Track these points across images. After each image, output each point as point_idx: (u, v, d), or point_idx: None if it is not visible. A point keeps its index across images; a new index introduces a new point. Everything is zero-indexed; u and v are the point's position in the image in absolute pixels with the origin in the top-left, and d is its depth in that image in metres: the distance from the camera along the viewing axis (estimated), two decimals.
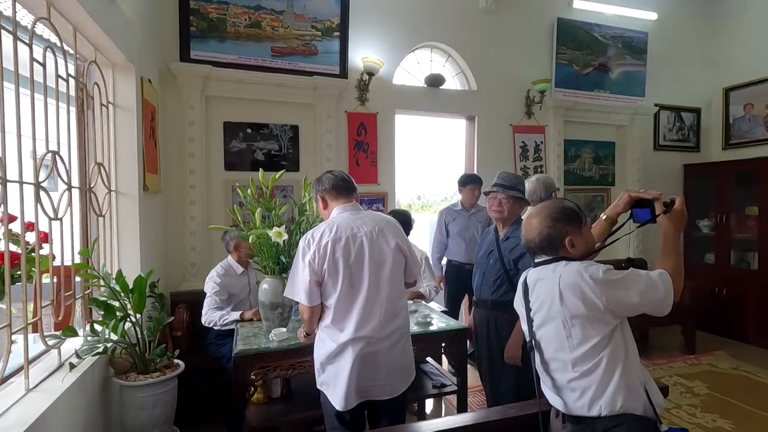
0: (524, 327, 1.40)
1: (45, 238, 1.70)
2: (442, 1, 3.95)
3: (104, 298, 1.87)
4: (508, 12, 4.15)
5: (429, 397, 2.44)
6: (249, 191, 2.05)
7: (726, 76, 4.88)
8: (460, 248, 3.57)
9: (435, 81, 3.95)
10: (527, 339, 1.38)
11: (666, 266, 1.27)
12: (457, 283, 3.57)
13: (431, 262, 3.43)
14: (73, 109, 2.21)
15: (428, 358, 2.67)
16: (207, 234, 3.26)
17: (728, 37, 4.90)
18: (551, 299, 1.26)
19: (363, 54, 3.63)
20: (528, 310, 1.36)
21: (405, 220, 3.09)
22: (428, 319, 2.29)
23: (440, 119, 4.32)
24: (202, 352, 2.67)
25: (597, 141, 4.72)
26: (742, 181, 4.54)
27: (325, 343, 1.66)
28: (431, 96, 3.97)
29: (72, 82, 1.98)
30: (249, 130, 3.48)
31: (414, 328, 2.22)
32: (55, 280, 1.68)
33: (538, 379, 1.35)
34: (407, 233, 3.16)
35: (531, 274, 1.39)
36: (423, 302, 2.82)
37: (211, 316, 2.47)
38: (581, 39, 4.42)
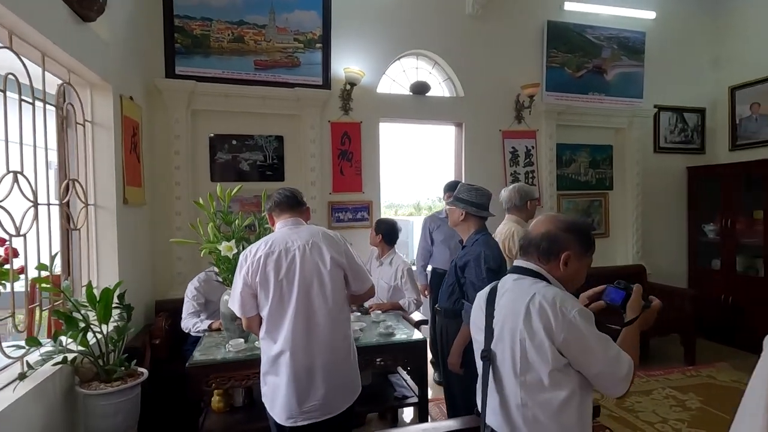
0: (480, 337, 1.31)
1: (15, 253, 1.81)
2: (427, 9, 3.96)
3: (66, 310, 1.95)
4: (495, 17, 4.12)
5: (389, 408, 2.43)
6: (212, 204, 2.10)
7: (731, 74, 4.69)
8: (444, 256, 3.55)
9: (420, 88, 3.95)
10: (483, 348, 1.28)
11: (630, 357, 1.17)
12: (438, 291, 3.55)
13: (415, 270, 3.43)
14: (52, 129, 2.33)
15: (399, 369, 2.67)
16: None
17: (732, 34, 4.72)
18: (515, 315, 1.18)
19: (347, 64, 3.67)
20: (490, 318, 1.27)
21: (390, 230, 3.12)
22: (390, 330, 2.30)
23: (430, 126, 4.32)
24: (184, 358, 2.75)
25: (593, 145, 4.61)
26: (750, 184, 4.34)
27: (264, 352, 1.70)
28: (417, 103, 3.98)
29: (40, 103, 2.09)
30: (234, 142, 3.57)
31: (376, 340, 2.23)
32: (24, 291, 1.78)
33: (484, 393, 1.25)
34: (393, 243, 3.19)
35: (503, 283, 1.31)
36: (395, 313, 2.83)
37: (187, 322, 2.55)
38: (573, 41, 4.34)
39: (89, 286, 2.12)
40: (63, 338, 1.95)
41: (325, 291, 1.68)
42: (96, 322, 2.02)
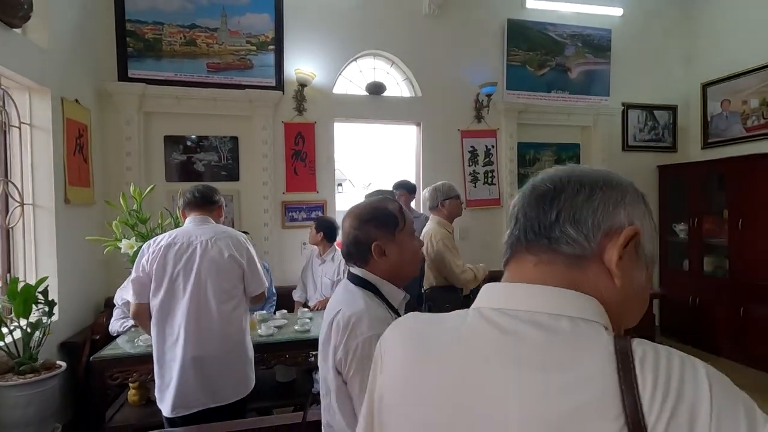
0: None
1: None
2: (383, 9, 3.98)
3: None
4: (453, 16, 4.12)
5: (299, 404, 2.44)
6: (124, 203, 2.17)
7: (703, 71, 4.60)
8: None
9: (376, 89, 3.97)
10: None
11: None
12: None
13: None
14: None
15: None
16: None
17: (704, 30, 4.62)
18: (326, 326, 1.09)
19: (301, 65, 3.72)
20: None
21: (330, 228, 3.17)
22: (306, 327, 2.34)
23: (393, 126, 4.34)
24: None
25: (559, 143, 4.57)
26: (721, 183, 4.25)
27: (155, 343, 1.76)
28: (373, 104, 4.00)
29: None
30: (189, 143, 3.65)
31: (288, 336, 2.28)
32: None
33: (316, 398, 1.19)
34: (333, 240, 3.22)
35: (335, 292, 1.21)
36: (309, 310, 2.88)
37: (113, 325, 2.58)
38: (534, 40, 4.31)
39: (12, 281, 2.21)
40: None
41: (221, 286, 1.75)
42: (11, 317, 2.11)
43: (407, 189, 3.52)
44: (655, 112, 4.78)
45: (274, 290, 3.27)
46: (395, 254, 1.12)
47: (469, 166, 4.22)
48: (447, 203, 2.53)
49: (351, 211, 1.19)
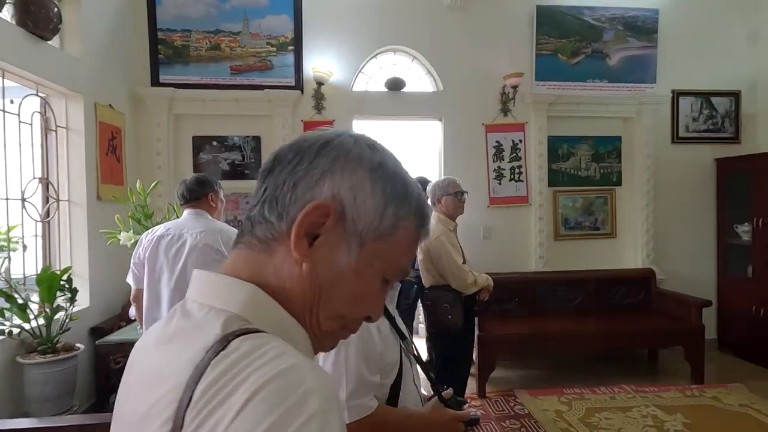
0: None
1: None
2: (403, 3, 3.92)
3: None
4: (477, 6, 3.95)
5: None
6: (133, 198, 2.31)
7: None
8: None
9: (395, 84, 3.92)
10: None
11: None
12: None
13: None
14: (27, 135, 2.71)
15: None
16: None
17: None
18: None
19: (321, 64, 3.76)
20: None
21: None
22: None
23: (415, 122, 4.27)
24: None
25: (597, 136, 4.22)
26: None
27: (144, 329, 1.85)
28: (393, 100, 3.95)
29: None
30: (214, 143, 3.83)
31: None
32: None
33: None
34: None
35: None
36: None
37: (131, 312, 2.77)
38: (568, 25, 4.02)
39: (43, 270, 2.43)
40: (8, 314, 2.27)
41: None
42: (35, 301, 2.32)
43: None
44: (713, 99, 4.26)
45: None
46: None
47: (494, 161, 4.03)
48: (444, 199, 2.44)
49: None
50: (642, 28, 4.08)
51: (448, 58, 3.98)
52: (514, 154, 4.04)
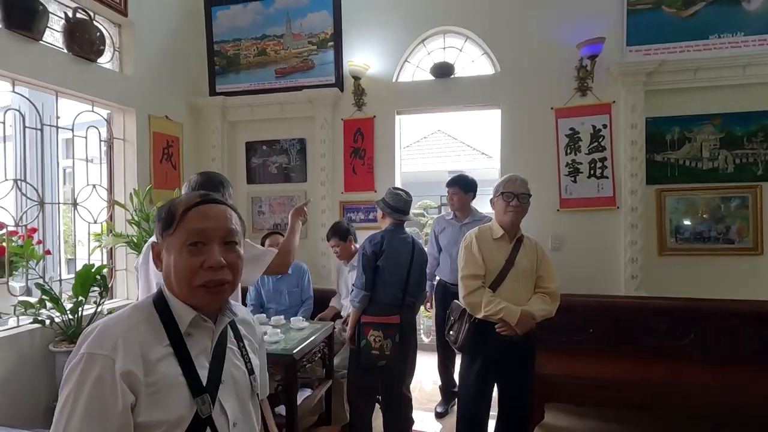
0: None
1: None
2: None
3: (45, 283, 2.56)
4: None
5: None
6: (135, 202, 2.41)
7: None
8: (446, 265, 3.03)
9: (442, 71, 3.44)
10: None
11: None
12: (442, 306, 3.02)
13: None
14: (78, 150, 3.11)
15: None
16: None
17: None
18: None
19: (362, 57, 3.53)
20: None
21: (338, 230, 2.94)
22: (275, 339, 2.14)
23: (465, 114, 3.71)
24: None
25: (729, 113, 3.05)
26: None
27: None
28: (440, 88, 3.47)
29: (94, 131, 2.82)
30: (264, 147, 3.91)
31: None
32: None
33: None
34: (346, 239, 2.93)
35: None
36: (322, 323, 2.62)
37: None
38: None
39: (84, 266, 2.73)
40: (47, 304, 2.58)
41: None
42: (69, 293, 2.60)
43: (461, 186, 2.93)
44: None
45: (311, 293, 3.17)
46: (165, 262, 0.89)
47: (567, 154, 3.22)
48: (494, 201, 2.09)
49: None
50: None
51: (507, 33, 3.33)
52: (596, 144, 3.17)
